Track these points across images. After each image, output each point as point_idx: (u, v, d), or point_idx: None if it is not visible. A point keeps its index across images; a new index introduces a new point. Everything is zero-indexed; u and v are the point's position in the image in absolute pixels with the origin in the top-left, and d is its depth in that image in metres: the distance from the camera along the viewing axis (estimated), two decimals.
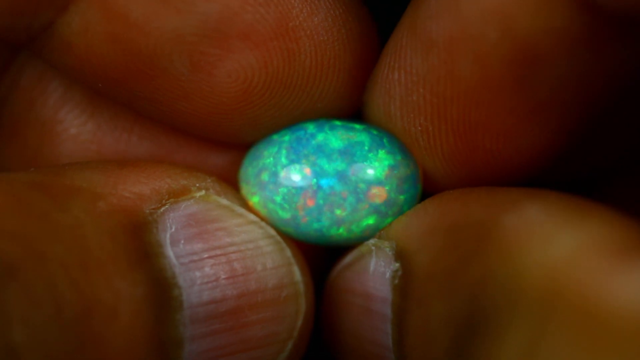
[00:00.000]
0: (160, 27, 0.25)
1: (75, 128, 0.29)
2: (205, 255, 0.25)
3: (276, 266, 0.26)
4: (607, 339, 0.19)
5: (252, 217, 0.26)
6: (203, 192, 0.26)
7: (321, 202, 0.26)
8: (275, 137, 0.27)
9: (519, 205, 0.22)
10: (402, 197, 0.26)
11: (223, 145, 0.29)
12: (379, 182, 0.26)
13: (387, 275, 0.25)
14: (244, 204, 0.27)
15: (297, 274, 0.26)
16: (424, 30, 0.24)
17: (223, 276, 0.25)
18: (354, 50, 0.26)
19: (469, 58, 0.24)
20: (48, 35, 0.26)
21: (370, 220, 0.26)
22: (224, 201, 0.26)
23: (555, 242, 0.21)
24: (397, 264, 0.25)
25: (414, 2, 0.25)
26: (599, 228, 0.21)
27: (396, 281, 0.25)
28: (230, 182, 0.28)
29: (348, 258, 0.27)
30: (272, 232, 0.26)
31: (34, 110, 0.29)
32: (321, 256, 0.30)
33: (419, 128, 0.26)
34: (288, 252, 0.26)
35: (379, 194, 0.26)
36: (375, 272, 0.26)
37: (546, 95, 0.24)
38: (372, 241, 0.27)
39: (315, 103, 0.27)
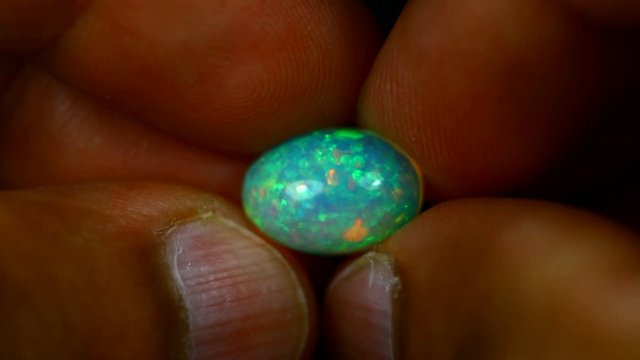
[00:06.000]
0: (169, 40, 0.25)
1: (83, 142, 0.29)
2: (212, 278, 0.25)
3: (281, 289, 0.26)
4: None
5: (258, 239, 0.26)
6: (210, 214, 0.26)
7: (323, 221, 0.26)
8: (274, 157, 0.27)
9: (517, 220, 0.22)
10: (403, 207, 0.27)
11: (230, 156, 0.29)
12: (378, 198, 0.26)
13: (387, 289, 0.25)
14: (250, 225, 0.27)
15: (301, 296, 0.26)
16: (415, 42, 0.24)
17: (229, 299, 0.25)
18: (360, 58, 0.26)
19: (459, 70, 0.24)
20: (54, 49, 0.26)
21: (371, 237, 0.26)
22: (231, 223, 0.26)
23: (553, 261, 0.21)
24: (397, 279, 0.25)
25: (403, 14, 0.25)
26: (598, 245, 0.21)
27: (396, 295, 0.25)
28: (237, 193, 0.28)
29: (346, 271, 0.27)
30: (278, 254, 0.26)
31: (41, 123, 0.29)
32: (323, 265, 0.30)
33: (413, 139, 0.26)
34: (293, 275, 0.26)
35: (379, 211, 0.26)
36: (374, 286, 0.26)
37: (536, 107, 0.24)
38: (369, 254, 0.27)
39: (323, 111, 0.27)
